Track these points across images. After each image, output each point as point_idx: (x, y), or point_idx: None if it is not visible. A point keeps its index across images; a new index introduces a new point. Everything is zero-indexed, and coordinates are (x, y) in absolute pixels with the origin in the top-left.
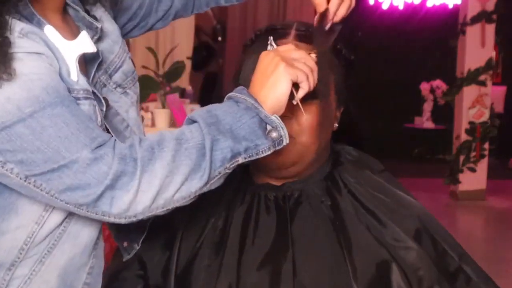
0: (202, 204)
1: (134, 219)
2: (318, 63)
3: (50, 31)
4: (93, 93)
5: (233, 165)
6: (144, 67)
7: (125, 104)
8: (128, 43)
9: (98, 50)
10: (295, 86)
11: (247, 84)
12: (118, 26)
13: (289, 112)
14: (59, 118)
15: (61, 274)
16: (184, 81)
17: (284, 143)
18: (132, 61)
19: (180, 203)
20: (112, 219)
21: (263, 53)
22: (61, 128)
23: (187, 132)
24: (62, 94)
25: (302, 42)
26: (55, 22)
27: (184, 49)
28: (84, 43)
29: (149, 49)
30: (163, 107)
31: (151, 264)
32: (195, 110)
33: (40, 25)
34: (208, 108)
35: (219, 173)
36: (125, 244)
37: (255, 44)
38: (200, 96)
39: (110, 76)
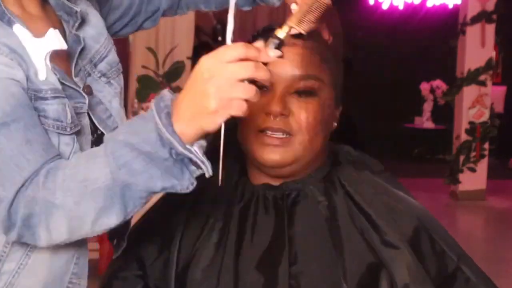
0: (201, 204)
1: (68, 241)
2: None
3: (19, 30)
4: (69, 86)
5: (148, 200)
6: (144, 67)
7: (108, 94)
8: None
9: (79, 37)
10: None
11: None
12: (109, 23)
13: (286, 110)
14: None
15: (49, 267)
16: (184, 81)
17: (207, 175)
18: (127, 57)
19: (107, 229)
20: (46, 247)
21: (197, 66)
22: None
23: (96, 170)
24: (6, 114)
25: (298, 39)
26: (31, 12)
27: (184, 49)
28: (53, 41)
29: (149, 49)
30: None
31: (150, 264)
32: (112, 136)
33: (10, 24)
34: (123, 142)
35: (136, 208)
36: (115, 241)
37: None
38: None
39: (95, 66)
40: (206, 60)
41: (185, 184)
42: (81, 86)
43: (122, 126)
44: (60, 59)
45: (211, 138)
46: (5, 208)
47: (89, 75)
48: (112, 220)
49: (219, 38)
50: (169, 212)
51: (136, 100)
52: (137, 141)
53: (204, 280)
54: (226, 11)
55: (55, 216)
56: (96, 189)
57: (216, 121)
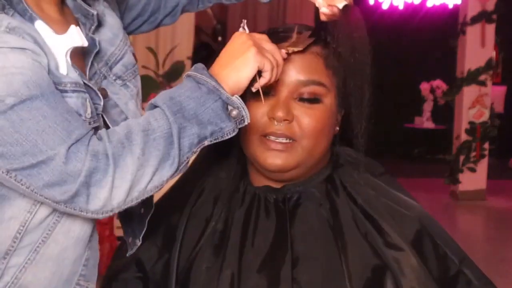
0: (201, 206)
1: (110, 214)
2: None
3: (41, 26)
4: (87, 85)
5: (199, 148)
6: (144, 67)
7: (124, 96)
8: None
9: (95, 40)
10: (258, 73)
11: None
12: (127, 22)
13: (289, 115)
14: (38, 111)
15: (56, 265)
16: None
17: (246, 123)
18: (135, 56)
19: (154, 192)
20: (89, 215)
21: (236, 34)
22: (39, 121)
23: (153, 121)
24: (43, 88)
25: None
26: (50, 14)
27: (184, 49)
28: (74, 37)
29: (149, 49)
30: None
31: (150, 266)
32: (157, 95)
33: (32, 20)
34: (170, 94)
35: (187, 158)
36: (130, 239)
37: None
38: None
39: (110, 68)
40: (242, 34)
41: (231, 127)
42: (95, 89)
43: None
44: (77, 59)
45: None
46: (58, 164)
47: (105, 78)
48: (165, 172)
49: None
50: (169, 214)
51: None
52: (184, 97)
53: (205, 283)
54: (226, 11)
55: (122, 164)
56: (157, 137)
57: (251, 66)
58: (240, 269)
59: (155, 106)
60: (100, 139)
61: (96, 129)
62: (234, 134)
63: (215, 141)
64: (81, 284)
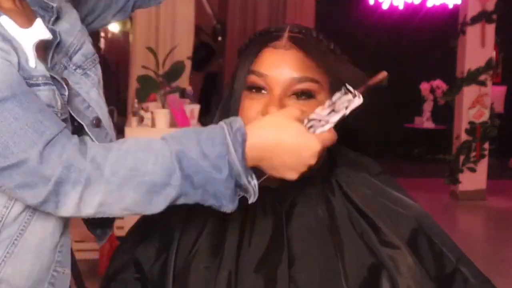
0: (199, 206)
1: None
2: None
3: (6, 21)
4: (52, 77)
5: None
6: (144, 67)
7: (85, 85)
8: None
9: (55, 32)
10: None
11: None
12: (81, 16)
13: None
14: (9, 113)
15: (35, 256)
16: (184, 81)
17: (250, 202)
18: (93, 45)
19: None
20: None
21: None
22: (11, 123)
23: (151, 163)
24: (14, 89)
25: (295, 45)
26: (10, 8)
27: (184, 49)
28: (40, 30)
29: (149, 49)
30: (163, 107)
31: (148, 267)
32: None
33: None
34: (189, 151)
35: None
36: (98, 231)
37: (249, 48)
38: (200, 96)
39: (70, 58)
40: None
41: (231, 207)
42: (60, 79)
43: (192, 134)
44: (39, 52)
45: None
46: (30, 168)
47: (65, 68)
48: (139, 210)
49: (219, 38)
50: (166, 214)
51: (136, 100)
52: (205, 156)
53: (202, 283)
54: (226, 11)
55: (94, 188)
56: (141, 182)
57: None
58: (237, 268)
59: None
60: (83, 151)
61: (65, 120)
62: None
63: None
64: (58, 270)
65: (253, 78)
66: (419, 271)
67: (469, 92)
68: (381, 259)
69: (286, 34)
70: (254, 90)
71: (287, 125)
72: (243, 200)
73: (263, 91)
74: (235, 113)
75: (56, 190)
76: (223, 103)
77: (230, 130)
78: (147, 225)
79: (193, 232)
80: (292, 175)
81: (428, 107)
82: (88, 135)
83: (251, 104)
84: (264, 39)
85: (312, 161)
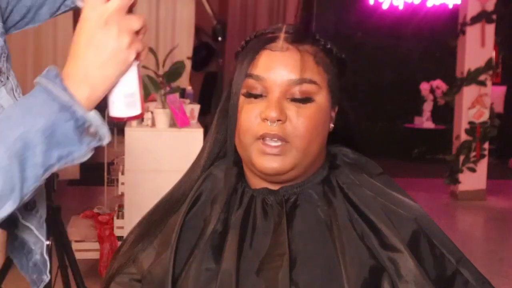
0: (198, 208)
1: None
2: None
3: None
4: None
5: (47, 176)
6: (144, 67)
7: None
8: None
9: None
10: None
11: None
12: (10, 25)
13: (283, 115)
14: None
15: None
16: (184, 81)
17: (104, 143)
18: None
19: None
20: None
21: (88, 16)
22: None
23: None
24: None
25: (293, 44)
26: None
27: (184, 49)
28: None
29: (149, 49)
30: (163, 107)
31: (148, 268)
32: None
33: None
34: (12, 114)
35: (34, 187)
36: (34, 276)
37: (246, 51)
38: (200, 96)
39: None
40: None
41: (82, 150)
42: None
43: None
44: None
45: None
46: None
47: None
48: (8, 209)
49: (219, 38)
50: (166, 215)
51: None
52: (33, 109)
53: (203, 285)
54: (226, 11)
55: None
56: None
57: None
58: (238, 271)
59: None
60: None
61: None
62: (86, 158)
63: (64, 166)
64: None
65: (250, 82)
66: (420, 274)
67: (469, 92)
68: (381, 261)
69: (282, 35)
70: (253, 98)
71: (79, 33)
72: (243, 202)
73: (261, 96)
74: (234, 117)
75: None
76: (221, 106)
77: (43, 81)
78: (147, 226)
79: (193, 234)
80: (120, 67)
81: (428, 107)
82: None
83: (250, 108)
84: (260, 41)
85: (113, 32)
